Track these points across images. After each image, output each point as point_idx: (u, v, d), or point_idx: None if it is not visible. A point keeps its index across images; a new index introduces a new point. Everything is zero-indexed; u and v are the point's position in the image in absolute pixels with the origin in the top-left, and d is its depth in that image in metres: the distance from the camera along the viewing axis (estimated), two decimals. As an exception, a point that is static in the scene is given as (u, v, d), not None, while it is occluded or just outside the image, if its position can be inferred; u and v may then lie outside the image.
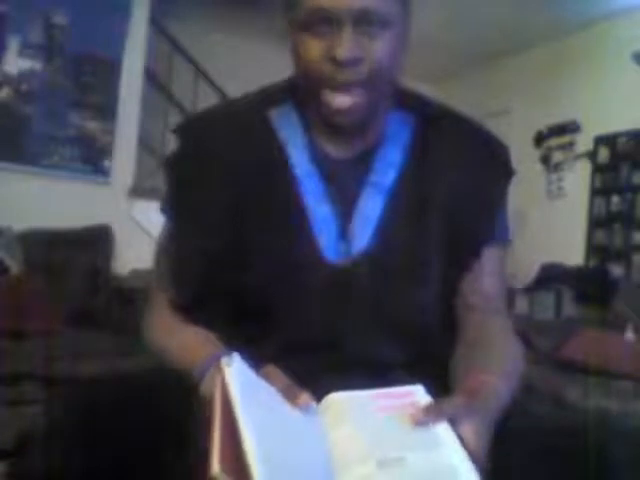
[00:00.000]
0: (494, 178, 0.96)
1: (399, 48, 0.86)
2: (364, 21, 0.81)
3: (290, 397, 0.70)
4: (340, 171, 0.92)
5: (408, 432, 0.66)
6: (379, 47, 0.82)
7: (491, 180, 0.95)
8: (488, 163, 0.95)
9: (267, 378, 0.71)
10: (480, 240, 0.94)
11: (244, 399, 0.62)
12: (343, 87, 0.83)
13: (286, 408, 0.69)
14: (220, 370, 0.65)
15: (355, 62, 0.81)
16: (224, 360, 0.66)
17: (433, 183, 0.92)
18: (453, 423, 0.68)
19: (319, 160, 0.92)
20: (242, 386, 0.63)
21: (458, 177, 0.92)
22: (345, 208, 0.90)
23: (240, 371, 0.66)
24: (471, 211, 0.93)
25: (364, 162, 0.93)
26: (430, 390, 0.74)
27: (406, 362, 0.88)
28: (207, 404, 0.69)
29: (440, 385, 0.78)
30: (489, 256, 0.95)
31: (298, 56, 0.85)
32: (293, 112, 0.95)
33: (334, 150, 0.93)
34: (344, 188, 0.91)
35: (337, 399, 0.72)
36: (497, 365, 0.82)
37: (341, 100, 0.84)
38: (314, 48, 0.82)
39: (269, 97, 0.97)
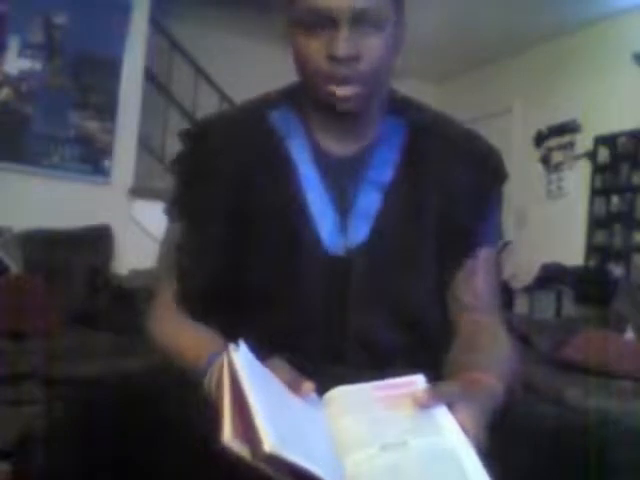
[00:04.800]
0: (486, 181, 0.99)
1: (393, 47, 0.90)
2: (360, 21, 0.84)
3: (294, 387, 0.71)
4: (338, 168, 0.96)
5: (409, 419, 0.68)
6: (374, 45, 0.86)
7: (482, 183, 0.98)
8: (479, 167, 0.99)
9: (271, 369, 0.72)
10: (472, 242, 0.97)
11: (251, 379, 0.63)
12: (341, 82, 0.87)
13: (290, 397, 0.70)
14: (228, 354, 0.67)
15: (351, 59, 0.85)
16: (232, 346, 0.68)
17: (427, 185, 0.96)
18: (450, 407, 0.69)
19: (318, 157, 0.96)
20: (249, 370, 0.65)
21: (451, 180, 0.96)
22: (343, 203, 0.94)
23: (246, 357, 0.68)
24: (463, 213, 0.96)
25: (361, 160, 0.97)
26: (429, 378, 0.75)
27: (404, 351, 0.92)
28: (211, 391, 0.71)
29: (436, 373, 0.81)
30: (482, 257, 0.98)
31: (298, 54, 0.89)
32: (292, 113, 0.99)
33: (332, 148, 0.97)
34: (342, 184, 0.95)
35: (339, 392, 0.73)
36: (490, 366, 0.84)
37: (341, 90, 0.87)
38: (313, 47, 0.86)
39: (268, 101, 1.01)
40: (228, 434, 0.58)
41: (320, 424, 0.69)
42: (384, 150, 0.97)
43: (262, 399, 0.60)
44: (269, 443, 0.55)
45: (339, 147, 0.97)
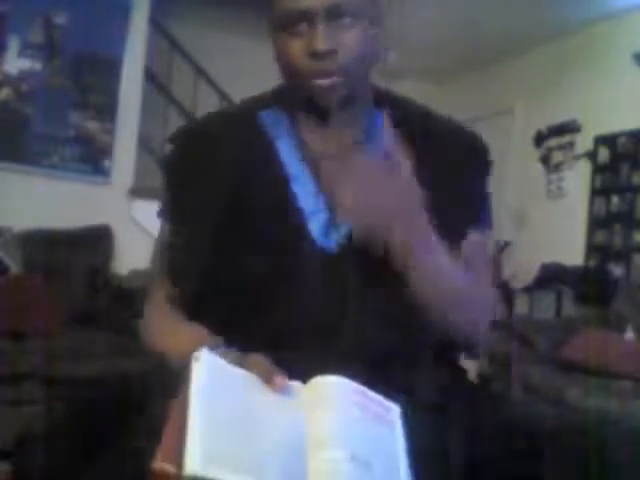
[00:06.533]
0: (475, 172, 1.01)
1: (372, 38, 0.92)
2: (335, 15, 0.87)
3: (268, 381, 0.71)
4: (327, 164, 0.96)
5: (374, 437, 0.69)
6: (352, 37, 0.89)
7: (472, 174, 1.00)
8: (468, 159, 1.01)
9: (248, 365, 0.72)
10: (463, 227, 0.97)
11: (206, 394, 0.63)
12: (322, 75, 0.89)
13: (261, 395, 0.70)
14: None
15: (331, 53, 0.88)
16: (194, 355, 0.67)
17: (416, 174, 0.94)
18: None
19: (307, 155, 0.97)
20: (209, 380, 0.65)
21: (439, 172, 0.96)
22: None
23: (210, 365, 0.67)
24: (453, 204, 0.95)
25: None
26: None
27: (401, 348, 0.90)
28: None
29: (431, 376, 0.81)
30: (472, 240, 0.97)
31: (280, 54, 0.92)
32: (280, 112, 1.01)
33: (320, 145, 0.98)
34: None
35: (323, 382, 0.73)
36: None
37: (323, 81, 0.90)
38: (294, 46, 0.89)
39: (258, 102, 1.03)
40: (157, 460, 0.59)
41: (290, 418, 0.69)
42: (372, 145, 0.97)
43: (208, 414, 0.61)
44: (189, 465, 0.57)
45: (327, 144, 0.97)
